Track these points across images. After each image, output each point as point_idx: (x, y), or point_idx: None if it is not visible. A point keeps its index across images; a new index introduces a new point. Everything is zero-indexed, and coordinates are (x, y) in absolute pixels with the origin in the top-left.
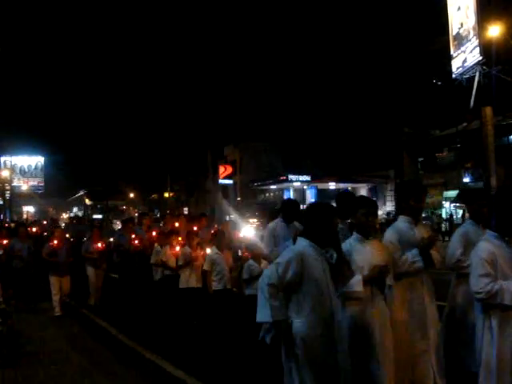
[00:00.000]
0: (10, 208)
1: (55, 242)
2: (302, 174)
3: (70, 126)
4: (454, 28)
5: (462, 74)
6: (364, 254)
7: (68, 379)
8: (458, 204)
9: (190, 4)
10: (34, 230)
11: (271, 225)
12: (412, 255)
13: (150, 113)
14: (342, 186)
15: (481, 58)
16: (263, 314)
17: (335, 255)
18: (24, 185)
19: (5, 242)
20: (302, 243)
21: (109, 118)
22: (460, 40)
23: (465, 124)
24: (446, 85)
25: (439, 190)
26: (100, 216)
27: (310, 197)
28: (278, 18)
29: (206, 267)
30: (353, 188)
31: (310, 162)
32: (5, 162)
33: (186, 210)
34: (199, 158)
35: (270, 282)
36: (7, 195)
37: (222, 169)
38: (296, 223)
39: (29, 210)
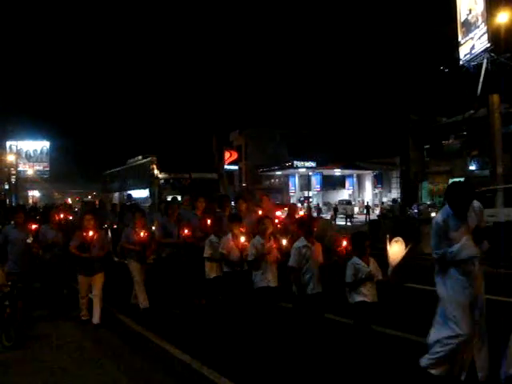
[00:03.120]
0: (16, 192)
1: (90, 232)
2: (308, 160)
3: (75, 111)
4: (462, 14)
5: (469, 60)
6: None
7: (75, 362)
8: None
9: None
10: (62, 216)
11: (438, 218)
12: None
13: (155, 98)
14: (347, 172)
15: (489, 44)
16: None
17: None
18: (29, 169)
19: (34, 226)
20: None
21: (114, 104)
22: (468, 26)
23: (471, 111)
24: (454, 72)
25: (445, 178)
26: (178, 197)
27: (316, 183)
28: (284, 4)
29: (293, 263)
30: (358, 175)
31: (315, 148)
32: (10, 147)
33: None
34: (204, 143)
35: None
36: (13, 180)
37: (227, 154)
38: (472, 214)
39: (34, 194)
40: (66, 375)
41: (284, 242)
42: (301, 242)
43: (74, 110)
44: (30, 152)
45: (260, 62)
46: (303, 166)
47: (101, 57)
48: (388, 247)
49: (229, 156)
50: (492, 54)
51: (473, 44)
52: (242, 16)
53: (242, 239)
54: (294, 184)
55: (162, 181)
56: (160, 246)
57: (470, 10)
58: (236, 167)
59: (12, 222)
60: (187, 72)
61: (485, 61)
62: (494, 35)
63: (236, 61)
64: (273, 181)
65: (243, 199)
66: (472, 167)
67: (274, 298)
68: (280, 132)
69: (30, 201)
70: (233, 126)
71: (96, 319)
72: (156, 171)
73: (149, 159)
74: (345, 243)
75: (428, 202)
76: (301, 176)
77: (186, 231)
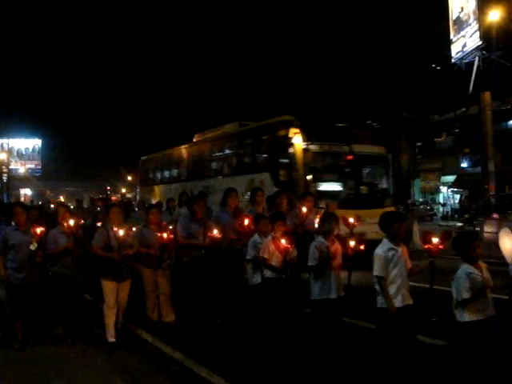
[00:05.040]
0: (8, 191)
1: (119, 229)
2: None
3: (68, 109)
4: (454, 12)
5: (461, 58)
6: None
7: (65, 360)
8: (455, 189)
9: None
10: (72, 222)
11: None
12: None
13: (148, 94)
14: None
15: (480, 42)
16: None
17: None
18: (21, 167)
19: (39, 230)
20: None
21: (106, 101)
22: (460, 24)
23: (463, 109)
24: (446, 69)
25: (437, 175)
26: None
27: None
28: (274, 2)
29: (379, 271)
30: None
31: None
32: (2, 145)
33: None
34: None
35: None
36: (4, 178)
37: None
38: None
39: (26, 192)
40: (57, 372)
41: (352, 243)
42: (384, 245)
43: (66, 107)
44: (21, 150)
45: (252, 59)
46: None
47: (92, 53)
48: (501, 242)
49: None
50: (483, 52)
51: (465, 42)
52: (228, 16)
53: (284, 241)
54: None
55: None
56: (182, 249)
57: (462, 8)
58: None
59: (12, 223)
60: (182, 71)
61: (476, 58)
62: (486, 33)
63: (229, 57)
64: None
65: (284, 194)
66: (464, 164)
67: (336, 311)
68: None
69: (22, 199)
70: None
71: (119, 324)
72: (299, 140)
73: (280, 121)
74: (436, 240)
75: (420, 200)
76: None
77: (214, 232)
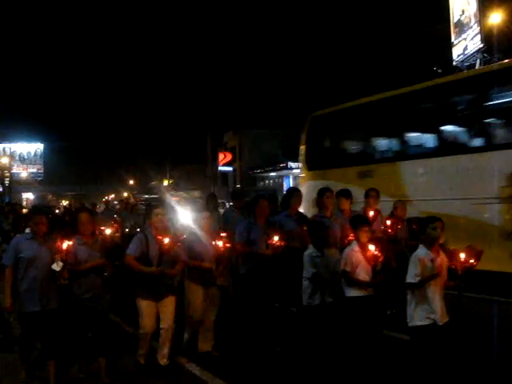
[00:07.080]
0: (10, 195)
1: (163, 238)
2: None
3: (69, 113)
4: (455, 15)
5: (462, 61)
6: None
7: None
8: None
9: None
10: (108, 231)
11: None
12: None
13: (149, 98)
14: None
15: (482, 45)
16: None
17: None
18: (23, 172)
19: (65, 245)
20: None
21: (108, 105)
22: (461, 27)
23: None
24: (447, 72)
25: None
26: None
27: None
28: (278, 6)
29: None
30: None
31: None
32: (4, 149)
33: None
34: (198, 144)
35: None
36: (6, 182)
37: (221, 156)
38: None
39: (28, 196)
40: None
41: (462, 256)
42: None
43: (68, 111)
44: (23, 154)
45: (254, 62)
46: (298, 167)
47: (94, 56)
48: None
49: (223, 157)
50: (485, 55)
51: (466, 44)
52: (236, 17)
53: (372, 248)
54: (289, 185)
55: None
56: (240, 259)
57: (463, 11)
58: (230, 168)
59: (27, 230)
60: (182, 71)
61: (478, 61)
62: (487, 36)
63: (231, 60)
64: (267, 182)
65: (345, 195)
66: None
67: (442, 340)
68: (274, 133)
69: (24, 203)
70: (227, 127)
71: (164, 358)
72: None
73: None
74: None
75: None
76: (295, 177)
77: (275, 239)
